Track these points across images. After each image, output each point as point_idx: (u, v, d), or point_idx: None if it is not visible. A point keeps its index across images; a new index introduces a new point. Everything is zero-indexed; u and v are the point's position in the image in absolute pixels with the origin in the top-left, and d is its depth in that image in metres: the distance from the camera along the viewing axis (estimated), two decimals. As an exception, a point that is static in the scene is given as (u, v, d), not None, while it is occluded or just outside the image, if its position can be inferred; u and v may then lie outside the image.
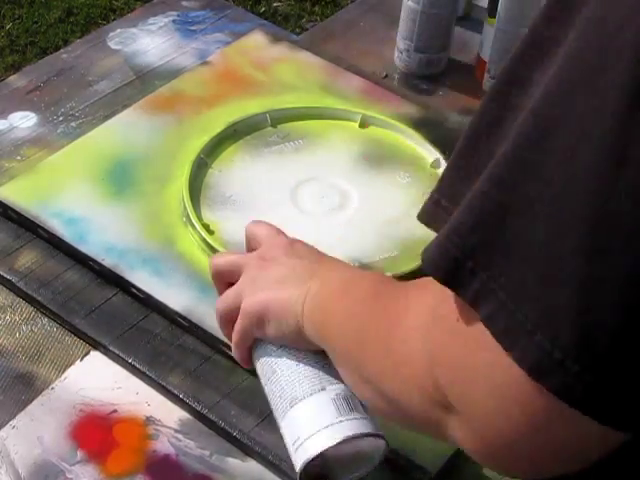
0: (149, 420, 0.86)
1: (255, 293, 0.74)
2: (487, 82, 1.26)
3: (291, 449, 0.71)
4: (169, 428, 0.86)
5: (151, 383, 0.89)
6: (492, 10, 1.23)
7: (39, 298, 0.95)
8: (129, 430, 0.85)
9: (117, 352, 0.91)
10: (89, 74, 1.23)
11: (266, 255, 0.77)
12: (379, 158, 1.10)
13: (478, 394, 0.52)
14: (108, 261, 0.96)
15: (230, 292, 0.76)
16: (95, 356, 0.91)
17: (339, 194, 1.05)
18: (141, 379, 0.89)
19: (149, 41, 1.29)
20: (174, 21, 1.33)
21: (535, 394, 0.48)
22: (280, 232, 0.80)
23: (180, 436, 0.85)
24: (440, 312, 0.54)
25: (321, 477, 0.72)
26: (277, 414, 0.73)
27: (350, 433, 0.69)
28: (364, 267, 0.97)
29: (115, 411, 0.87)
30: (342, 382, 0.72)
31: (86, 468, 0.82)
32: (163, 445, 0.84)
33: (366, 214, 1.03)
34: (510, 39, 1.19)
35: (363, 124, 1.14)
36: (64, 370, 0.90)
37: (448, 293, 0.51)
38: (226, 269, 0.78)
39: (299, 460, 0.70)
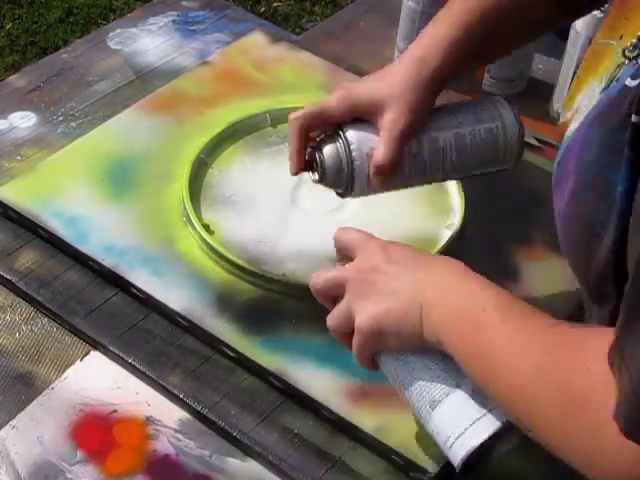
0: (149, 420, 0.86)
1: (366, 310, 0.76)
2: (487, 82, 1.26)
3: (444, 447, 0.76)
4: (169, 428, 0.86)
5: (151, 383, 0.89)
6: None
7: (39, 298, 0.95)
8: (129, 430, 0.85)
9: (117, 352, 0.91)
10: (89, 74, 1.23)
11: (364, 265, 0.78)
12: (379, 158, 1.10)
13: None
14: (108, 261, 0.96)
15: (340, 309, 0.78)
16: (95, 356, 0.91)
17: (339, 194, 1.05)
18: (141, 379, 0.89)
19: (149, 41, 1.29)
20: (174, 21, 1.33)
21: None
22: (370, 236, 0.82)
23: (180, 436, 0.85)
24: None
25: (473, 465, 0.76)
26: (420, 417, 0.78)
27: (495, 426, 0.74)
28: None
29: (115, 411, 0.87)
30: (464, 375, 0.75)
31: (86, 468, 0.82)
32: (163, 445, 0.84)
33: (365, 214, 1.03)
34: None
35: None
36: (64, 370, 0.90)
37: None
38: (327, 287, 0.80)
39: (457, 457, 0.75)
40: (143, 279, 0.95)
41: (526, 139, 1.10)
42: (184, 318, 0.92)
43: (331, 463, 0.84)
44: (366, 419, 0.85)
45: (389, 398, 0.87)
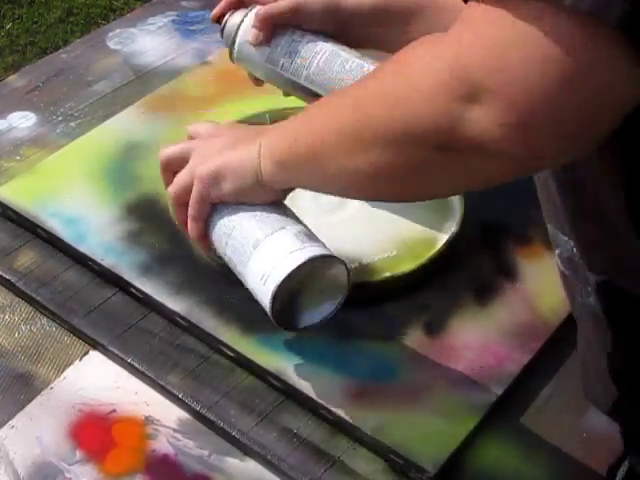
0: (148, 420, 0.86)
1: (208, 161, 0.79)
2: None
3: (259, 287, 0.75)
4: (168, 428, 0.86)
5: (150, 383, 0.89)
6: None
7: (38, 298, 0.95)
8: (128, 430, 0.85)
9: (116, 352, 0.91)
10: (88, 74, 1.23)
11: (210, 134, 0.84)
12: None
13: (513, 65, 0.53)
14: (107, 261, 0.96)
15: (182, 173, 0.81)
16: (94, 356, 0.91)
17: (338, 194, 1.05)
18: (140, 379, 0.89)
19: (148, 41, 1.29)
20: (173, 21, 1.33)
21: (583, 39, 0.51)
22: (216, 124, 0.87)
23: (179, 436, 0.85)
24: (466, 16, 0.56)
25: (291, 317, 0.77)
26: (242, 266, 0.77)
27: (312, 254, 0.74)
28: (363, 267, 0.97)
29: (114, 411, 0.87)
30: (299, 223, 0.78)
31: (85, 468, 0.82)
32: (162, 445, 0.84)
33: (365, 213, 1.03)
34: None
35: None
36: (63, 370, 0.90)
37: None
38: (174, 157, 0.83)
39: (268, 292, 0.73)
40: (142, 279, 0.95)
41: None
42: (183, 318, 0.92)
43: (330, 463, 0.84)
44: (365, 419, 0.85)
45: (388, 398, 0.87)
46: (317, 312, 0.80)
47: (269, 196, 0.79)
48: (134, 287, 0.95)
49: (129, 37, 1.29)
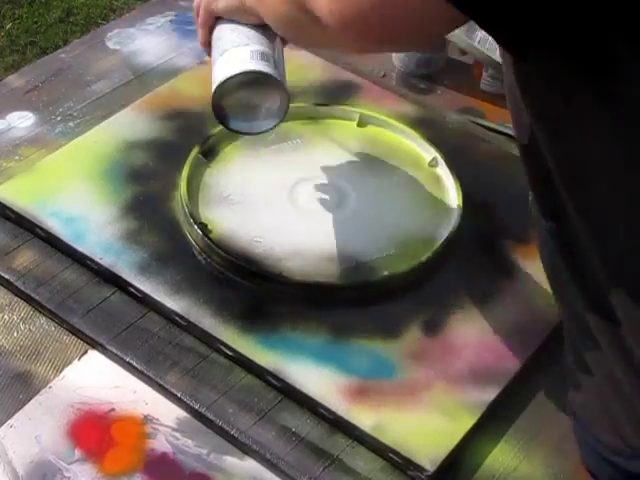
0: (147, 419, 0.86)
1: None
2: (485, 81, 1.26)
3: (214, 82, 0.88)
4: (167, 427, 0.86)
5: (149, 382, 0.89)
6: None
7: (37, 297, 0.95)
8: (127, 429, 0.86)
9: (115, 351, 0.91)
10: (87, 74, 1.23)
11: None
12: (377, 157, 1.10)
13: None
14: (106, 260, 0.96)
15: None
16: (93, 355, 0.91)
17: (337, 193, 1.05)
18: (139, 378, 0.90)
19: (147, 41, 1.29)
20: (172, 21, 1.33)
21: None
22: None
23: (178, 435, 0.85)
24: None
25: (229, 116, 0.90)
26: (213, 65, 0.91)
27: (257, 68, 0.87)
28: (361, 266, 0.97)
29: (113, 410, 0.87)
30: (268, 45, 0.89)
31: (84, 467, 0.82)
32: (161, 444, 0.84)
33: (364, 213, 1.03)
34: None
35: (361, 123, 1.14)
36: (62, 369, 0.90)
37: None
38: None
39: (217, 80, 0.87)
40: (141, 278, 0.95)
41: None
42: (182, 317, 0.92)
43: (329, 461, 0.84)
44: (364, 417, 0.85)
45: (387, 397, 0.87)
46: (251, 122, 0.91)
47: (252, 18, 0.89)
48: (133, 286, 0.95)
49: (128, 37, 1.29)
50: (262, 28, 0.89)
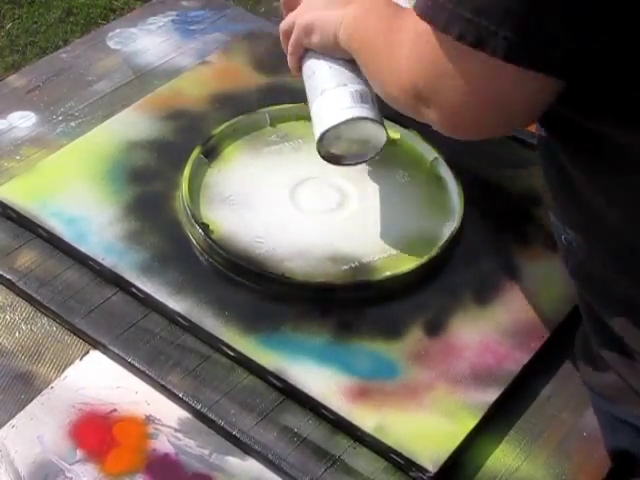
0: (149, 419, 0.86)
1: (307, 14, 0.96)
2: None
3: (317, 123, 0.94)
4: (169, 427, 0.86)
5: (151, 382, 0.89)
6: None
7: (39, 297, 0.95)
8: (129, 429, 0.86)
9: (117, 351, 0.91)
10: (88, 74, 1.23)
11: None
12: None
13: (446, 90, 0.71)
14: (108, 261, 0.96)
15: (289, 16, 0.99)
16: (95, 355, 0.91)
17: (338, 193, 1.05)
18: (141, 378, 0.89)
19: (148, 41, 1.29)
20: (173, 21, 1.33)
21: (477, 63, 0.67)
22: None
23: (180, 435, 0.85)
24: (419, 29, 0.71)
25: (335, 157, 0.96)
26: (311, 101, 0.96)
27: (365, 114, 0.92)
28: (363, 267, 0.97)
29: (115, 410, 0.87)
30: (364, 83, 0.93)
31: (86, 467, 0.82)
32: (163, 444, 0.84)
33: (365, 213, 1.03)
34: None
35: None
36: (64, 369, 0.90)
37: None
38: (286, 26, 0.99)
39: (324, 126, 0.93)
40: (143, 279, 0.95)
41: (525, 138, 1.10)
42: (184, 318, 0.92)
43: (331, 462, 0.84)
44: (366, 418, 0.85)
45: (389, 397, 0.87)
46: (354, 153, 0.97)
47: (344, 55, 0.92)
48: (135, 287, 0.95)
49: (129, 37, 1.29)
50: (355, 62, 0.93)
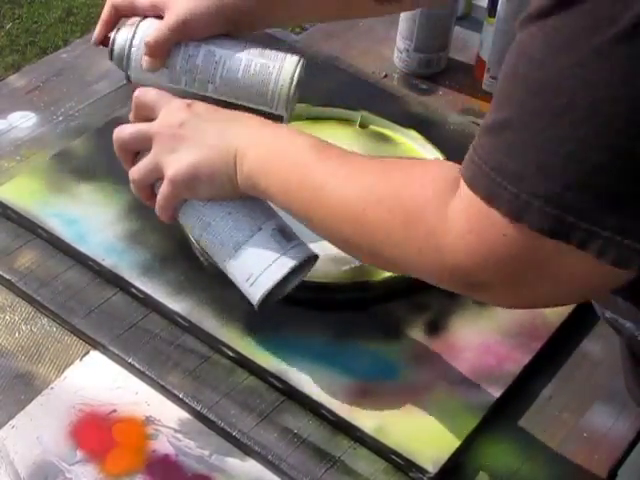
0: (148, 420, 0.86)
1: (179, 161, 0.81)
2: (487, 82, 1.26)
3: (244, 286, 0.84)
4: (169, 428, 0.86)
5: (150, 383, 0.89)
6: (492, 10, 1.23)
7: (38, 298, 0.94)
8: (128, 430, 0.85)
9: (116, 352, 0.91)
10: (89, 74, 1.23)
11: (172, 121, 0.83)
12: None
13: (496, 275, 0.65)
14: (108, 261, 0.96)
15: (147, 163, 0.83)
16: (94, 356, 0.91)
17: (339, 194, 1.05)
18: (140, 379, 0.89)
19: (149, 41, 1.28)
20: (174, 21, 1.33)
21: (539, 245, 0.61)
22: (171, 96, 0.86)
23: (180, 436, 0.85)
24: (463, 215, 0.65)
25: (270, 293, 0.84)
26: (221, 261, 0.84)
27: (294, 262, 0.82)
28: (363, 267, 0.97)
29: (114, 411, 0.87)
30: (272, 216, 0.83)
31: (86, 468, 0.82)
32: (162, 445, 0.84)
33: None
34: (510, 39, 1.19)
35: (363, 124, 1.14)
36: (63, 370, 0.90)
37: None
38: (133, 139, 0.85)
39: (257, 293, 0.83)
40: (143, 279, 0.95)
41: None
42: (184, 318, 0.92)
43: (331, 463, 0.84)
44: (366, 419, 0.85)
45: (389, 398, 0.87)
46: (286, 285, 0.87)
47: (242, 196, 0.82)
48: (135, 287, 0.95)
49: (129, 37, 1.29)
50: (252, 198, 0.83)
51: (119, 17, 0.93)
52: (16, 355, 0.91)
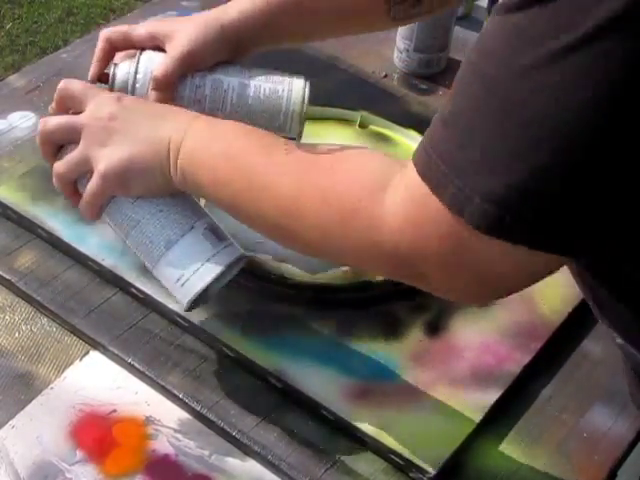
0: (148, 420, 0.86)
1: (109, 155, 0.78)
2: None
3: (175, 286, 0.81)
4: (168, 428, 0.86)
5: (150, 383, 0.89)
6: (492, 10, 1.23)
7: (38, 298, 0.94)
8: (128, 430, 0.85)
9: (116, 352, 0.91)
10: (89, 74, 1.22)
11: (101, 114, 0.80)
12: (379, 158, 1.10)
13: (433, 262, 0.65)
14: (108, 261, 0.96)
15: (74, 155, 0.80)
16: (94, 356, 0.91)
17: (339, 194, 1.05)
18: (140, 379, 0.89)
19: (149, 41, 1.28)
20: (174, 21, 1.33)
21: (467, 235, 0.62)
22: (93, 86, 0.85)
23: (179, 436, 0.85)
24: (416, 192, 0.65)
25: (196, 300, 0.82)
26: (151, 259, 0.82)
27: (227, 261, 0.81)
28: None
29: (114, 411, 0.87)
30: (203, 215, 0.82)
31: (85, 468, 0.82)
32: (162, 445, 0.84)
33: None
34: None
35: (363, 124, 1.14)
36: (63, 370, 0.90)
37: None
38: (59, 130, 0.82)
39: (189, 294, 0.81)
40: (143, 279, 0.95)
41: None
42: (183, 318, 0.92)
43: (330, 463, 0.84)
44: (365, 419, 0.85)
45: (388, 398, 0.87)
46: (215, 287, 0.85)
47: (175, 192, 0.80)
48: (134, 287, 0.95)
49: (129, 37, 1.29)
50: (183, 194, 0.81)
51: (114, 52, 0.92)
52: (16, 355, 0.91)
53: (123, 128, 0.79)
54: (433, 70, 1.29)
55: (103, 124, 0.79)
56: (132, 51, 0.91)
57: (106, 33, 0.91)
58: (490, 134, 0.60)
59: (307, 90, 0.91)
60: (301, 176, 0.73)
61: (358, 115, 1.14)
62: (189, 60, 0.88)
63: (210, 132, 0.79)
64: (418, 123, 1.15)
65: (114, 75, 0.90)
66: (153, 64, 0.89)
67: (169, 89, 0.88)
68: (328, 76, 1.22)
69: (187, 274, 0.81)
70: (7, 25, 2.63)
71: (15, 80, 1.22)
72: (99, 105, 0.81)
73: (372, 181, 0.69)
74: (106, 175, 0.79)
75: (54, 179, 0.83)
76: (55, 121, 0.82)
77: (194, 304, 0.83)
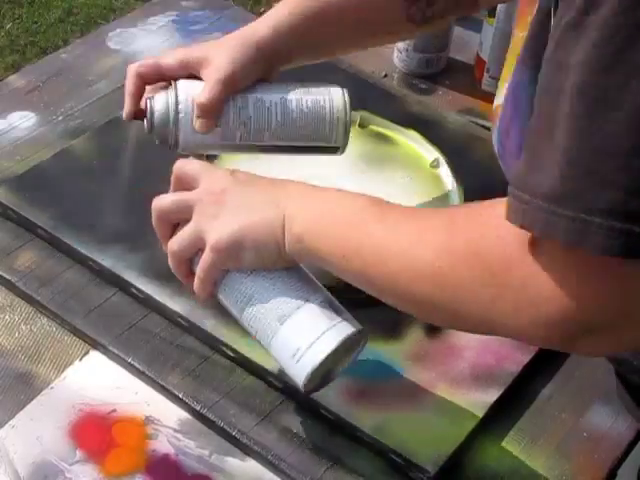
0: (148, 420, 0.86)
1: (222, 228, 0.76)
2: (486, 81, 1.26)
3: (290, 362, 0.77)
4: (168, 428, 0.86)
5: (150, 383, 0.89)
6: (492, 10, 1.23)
7: (38, 298, 0.94)
8: (128, 430, 0.85)
9: (116, 352, 0.91)
10: (89, 74, 1.23)
11: (214, 189, 0.79)
12: (378, 158, 1.10)
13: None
14: (107, 261, 0.96)
15: (187, 232, 0.78)
16: (94, 356, 0.91)
17: (338, 194, 1.05)
18: (140, 379, 0.89)
19: (149, 41, 1.29)
20: (174, 21, 1.33)
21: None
22: (210, 165, 0.84)
23: (179, 436, 0.85)
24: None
25: (321, 383, 0.79)
26: (265, 335, 0.78)
27: (345, 334, 0.76)
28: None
29: (114, 411, 0.87)
30: (318, 289, 0.78)
31: (85, 468, 0.82)
32: (162, 445, 0.84)
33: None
34: (509, 39, 1.19)
35: (363, 124, 1.14)
36: (63, 370, 0.90)
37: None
38: (173, 209, 0.80)
39: (306, 368, 0.76)
40: (142, 279, 0.95)
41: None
42: (183, 318, 0.92)
43: (330, 462, 0.84)
44: (365, 419, 0.85)
45: (388, 398, 0.87)
46: (339, 367, 0.82)
47: (288, 264, 0.78)
48: (134, 287, 0.95)
49: (129, 37, 1.29)
50: (297, 267, 0.79)
51: (144, 86, 0.90)
52: (16, 355, 0.91)
53: (235, 200, 0.77)
54: (433, 70, 1.29)
55: (215, 198, 0.78)
56: (162, 83, 0.90)
57: (135, 68, 0.90)
58: (591, 142, 0.56)
59: (347, 97, 0.91)
60: (439, 242, 0.68)
61: (358, 115, 1.14)
62: (231, 82, 0.87)
63: (328, 202, 0.77)
64: (418, 123, 1.15)
65: (152, 108, 0.88)
66: (193, 91, 0.87)
67: (215, 114, 0.87)
68: (328, 76, 1.22)
69: (303, 348, 0.76)
70: (7, 25, 2.63)
71: (15, 80, 1.22)
72: (213, 180, 0.80)
73: (516, 236, 0.63)
74: (218, 248, 0.76)
75: (169, 259, 0.80)
76: (169, 199, 0.81)
77: (316, 384, 0.79)
